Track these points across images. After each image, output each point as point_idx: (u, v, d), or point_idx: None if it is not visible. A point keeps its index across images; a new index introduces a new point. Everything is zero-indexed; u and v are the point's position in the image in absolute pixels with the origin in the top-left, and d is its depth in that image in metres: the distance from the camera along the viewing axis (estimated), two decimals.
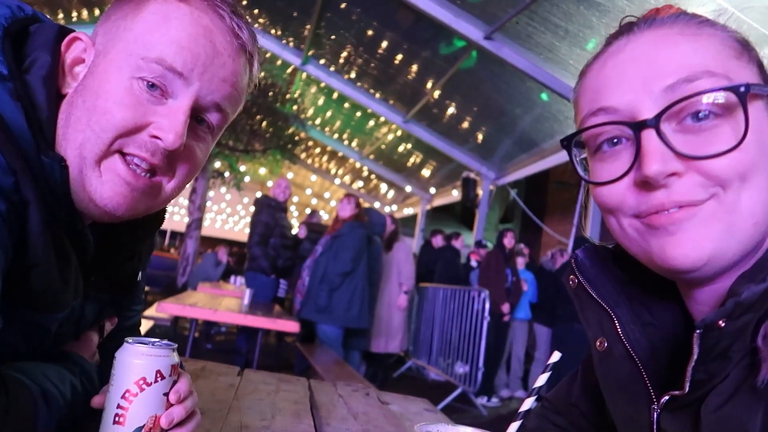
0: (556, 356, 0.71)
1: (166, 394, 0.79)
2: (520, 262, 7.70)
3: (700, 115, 0.62)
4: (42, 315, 0.79)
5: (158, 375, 0.78)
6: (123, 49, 0.79)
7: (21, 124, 0.74)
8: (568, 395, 0.93)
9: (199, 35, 0.80)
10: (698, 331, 0.59)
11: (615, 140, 0.68)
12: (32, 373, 0.75)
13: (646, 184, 0.64)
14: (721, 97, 0.61)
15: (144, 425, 0.77)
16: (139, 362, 0.78)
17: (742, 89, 0.60)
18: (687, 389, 0.62)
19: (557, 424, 0.94)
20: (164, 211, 1.02)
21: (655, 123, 0.63)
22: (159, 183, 0.83)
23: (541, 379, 0.71)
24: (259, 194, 6.40)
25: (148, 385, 0.77)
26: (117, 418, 0.76)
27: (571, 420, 0.92)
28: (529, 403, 0.69)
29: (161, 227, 1.05)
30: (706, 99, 0.61)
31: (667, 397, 0.66)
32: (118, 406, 0.77)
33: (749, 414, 0.56)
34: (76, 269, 0.83)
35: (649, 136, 0.63)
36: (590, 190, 0.73)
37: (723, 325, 0.58)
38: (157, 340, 0.83)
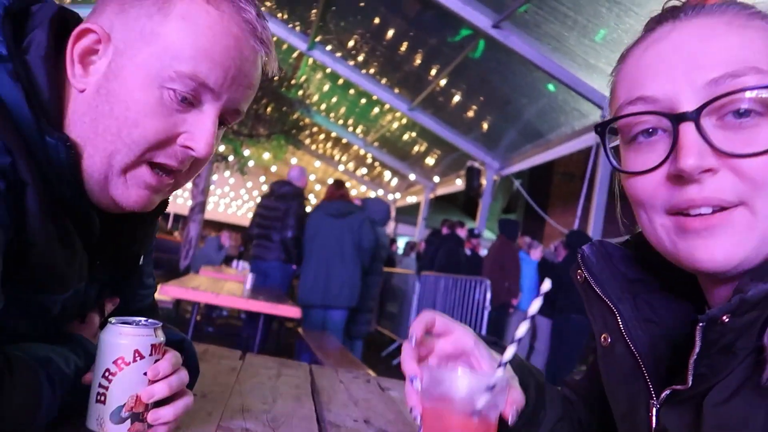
0: (546, 284, 0.72)
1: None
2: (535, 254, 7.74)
3: (741, 111, 0.60)
4: (44, 296, 0.79)
5: (137, 354, 0.79)
6: (152, 55, 0.77)
7: (21, 105, 0.73)
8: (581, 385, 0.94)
9: (231, 47, 0.79)
10: (701, 324, 0.59)
11: (651, 131, 0.66)
12: (37, 354, 0.75)
13: (679, 178, 0.62)
14: (766, 94, 0.59)
15: (125, 404, 0.78)
16: (117, 342, 0.79)
17: None
18: (690, 383, 0.62)
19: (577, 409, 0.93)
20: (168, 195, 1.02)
21: (695, 116, 0.61)
22: (176, 180, 0.86)
23: (534, 305, 0.71)
24: (288, 185, 6.12)
25: (127, 364, 0.78)
26: (99, 397, 0.78)
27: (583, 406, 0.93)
28: (523, 329, 0.72)
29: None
30: (750, 96, 0.59)
31: (668, 392, 0.66)
32: (100, 385, 0.78)
33: (752, 411, 0.55)
34: (80, 251, 0.83)
35: (687, 129, 0.61)
36: (621, 180, 0.71)
37: (727, 320, 0.57)
38: (143, 319, 0.83)
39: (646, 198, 0.66)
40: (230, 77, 0.80)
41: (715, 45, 0.62)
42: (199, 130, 0.80)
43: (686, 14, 0.66)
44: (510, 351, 0.72)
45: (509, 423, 0.75)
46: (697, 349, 0.60)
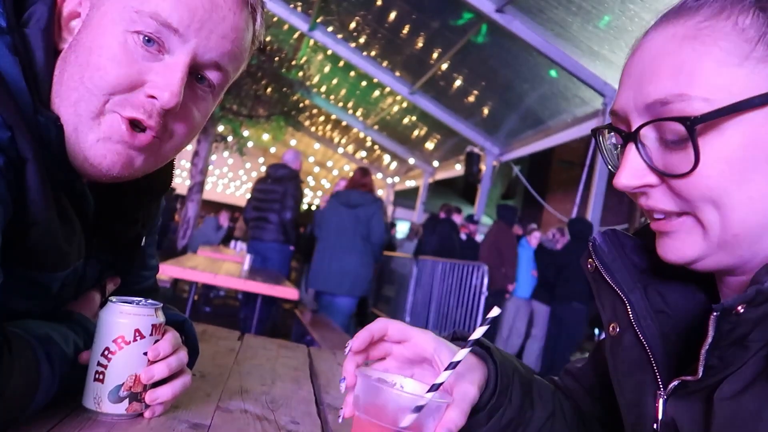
0: (495, 311, 0.72)
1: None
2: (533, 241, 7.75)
3: (667, 138, 0.63)
4: (44, 274, 0.78)
5: (137, 334, 0.78)
6: (117, 1, 0.76)
7: (18, 80, 0.72)
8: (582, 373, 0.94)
9: None
10: (715, 313, 0.58)
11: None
12: (36, 332, 0.75)
13: None
14: (673, 128, 0.61)
15: (123, 383, 0.78)
16: (117, 321, 0.78)
17: (689, 123, 0.59)
18: (700, 374, 0.61)
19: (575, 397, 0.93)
20: (171, 176, 1.00)
21: (634, 137, 0.65)
22: (155, 142, 0.80)
23: (479, 332, 0.72)
24: (288, 168, 6.14)
25: (127, 343, 0.78)
26: (97, 376, 0.78)
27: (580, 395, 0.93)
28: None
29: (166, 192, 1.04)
30: (670, 126, 0.62)
31: (676, 383, 0.66)
32: (99, 364, 0.78)
33: (765, 406, 0.55)
34: (78, 229, 0.82)
35: (629, 147, 0.65)
36: None
37: (742, 311, 0.57)
38: (143, 299, 0.83)
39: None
40: (197, 19, 0.76)
41: (661, 64, 0.63)
42: (165, 77, 0.76)
43: (666, 17, 0.66)
44: (443, 376, 0.70)
45: None
46: (709, 339, 0.59)
